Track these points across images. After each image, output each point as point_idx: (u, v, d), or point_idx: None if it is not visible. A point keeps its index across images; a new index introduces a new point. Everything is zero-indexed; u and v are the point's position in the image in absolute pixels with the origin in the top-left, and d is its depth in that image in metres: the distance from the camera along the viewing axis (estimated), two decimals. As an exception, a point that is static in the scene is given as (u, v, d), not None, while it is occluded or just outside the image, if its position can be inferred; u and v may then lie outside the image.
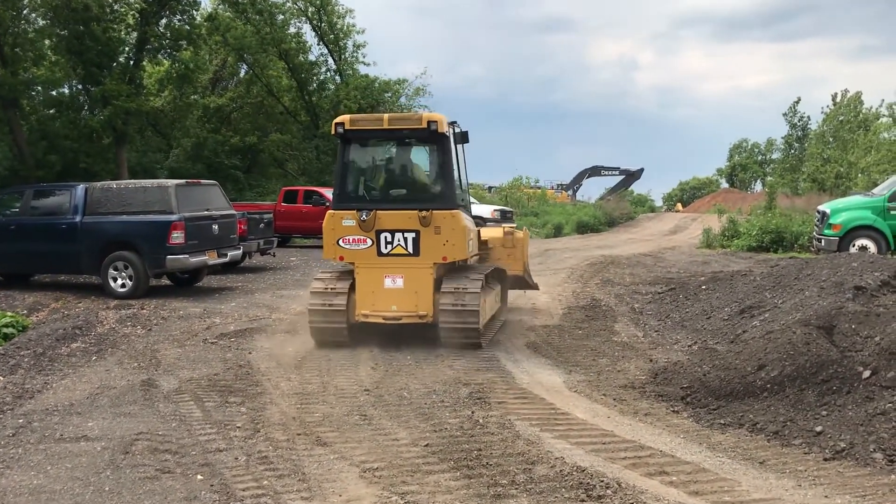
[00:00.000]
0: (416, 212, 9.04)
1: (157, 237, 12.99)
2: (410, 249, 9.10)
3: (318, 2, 37.29)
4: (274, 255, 18.63)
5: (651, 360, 8.67)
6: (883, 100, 68.22)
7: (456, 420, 6.27)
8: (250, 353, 9.09)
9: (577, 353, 9.12)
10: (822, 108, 57.35)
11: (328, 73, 40.05)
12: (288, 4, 37.27)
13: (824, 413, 5.90)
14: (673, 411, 6.67)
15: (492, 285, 10.24)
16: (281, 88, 39.85)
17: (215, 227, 14.01)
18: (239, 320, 11.22)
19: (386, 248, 9.15)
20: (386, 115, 9.40)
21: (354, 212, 9.17)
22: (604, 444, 5.72)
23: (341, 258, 9.36)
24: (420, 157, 9.91)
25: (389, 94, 38.32)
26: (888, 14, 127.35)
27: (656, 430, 6.11)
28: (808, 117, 59.43)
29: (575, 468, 5.13)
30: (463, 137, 9.93)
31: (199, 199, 14.04)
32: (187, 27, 29.37)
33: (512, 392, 7.27)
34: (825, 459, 5.28)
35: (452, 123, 9.65)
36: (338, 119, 9.32)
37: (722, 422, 6.25)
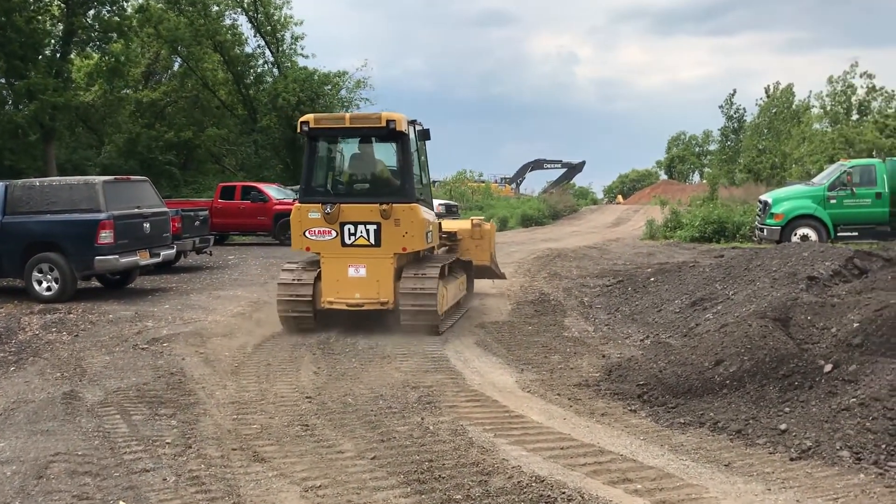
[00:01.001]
0: (377, 205, 9.54)
1: (84, 237, 12.24)
2: (372, 240, 9.61)
3: (254, -7, 36.45)
4: (210, 254, 17.94)
5: (604, 356, 8.42)
6: (811, 91, 70.14)
7: (405, 428, 5.88)
8: (184, 359, 8.54)
9: (528, 349, 8.83)
10: (757, 100, 58.51)
11: (265, 65, 39.28)
12: (222, -5, 36.35)
13: (787, 410, 5.68)
14: (630, 410, 6.40)
15: (455, 274, 10.91)
16: (217, 82, 38.85)
17: (147, 225, 13.32)
18: (172, 323, 10.62)
19: (349, 239, 9.66)
20: (348, 115, 10.02)
21: (320, 205, 9.65)
22: (562, 449, 5.40)
23: (308, 249, 9.88)
24: (381, 154, 10.37)
25: (329, 87, 37.69)
26: (815, 9, 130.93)
27: (615, 432, 5.82)
28: (744, 109, 60.54)
29: (534, 478, 4.79)
30: (424, 135, 10.56)
31: (129, 197, 13.31)
32: (117, 18, 28.31)
33: (463, 394, 6.91)
34: (791, 459, 5.05)
35: (413, 122, 10.11)
36: (303, 118, 9.88)
37: (682, 421, 5.99)
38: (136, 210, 13.20)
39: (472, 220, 12.58)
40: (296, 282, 9.76)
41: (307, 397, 6.88)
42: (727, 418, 5.83)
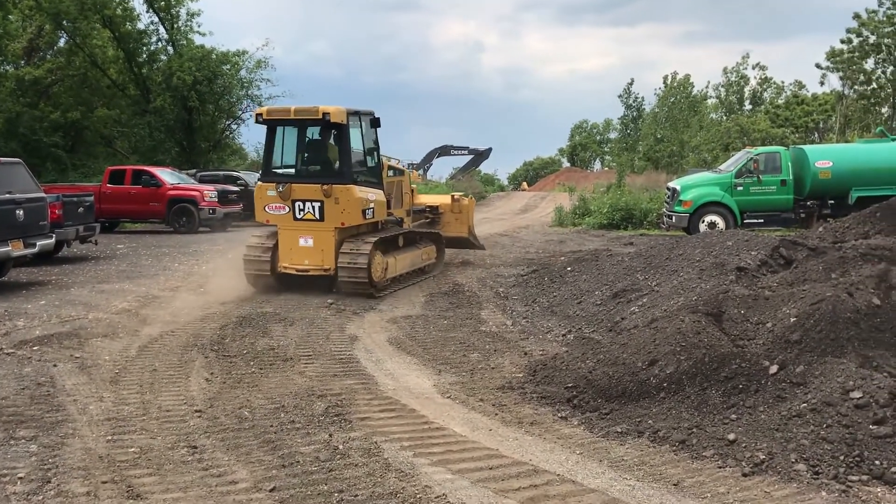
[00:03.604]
0: (319, 186, 11.04)
1: (-56, 226, 10.87)
2: (317, 216, 11.17)
3: (146, -34, 34.32)
4: (96, 243, 16.52)
5: (526, 353, 7.85)
6: (709, 81, 72.23)
7: (310, 448, 5.10)
8: (55, 365, 7.45)
9: (444, 347, 8.18)
10: (655, 89, 59.62)
11: (159, 42, 37.07)
12: (111, -34, 34.04)
13: (734, 417, 5.20)
14: (561, 417, 5.82)
15: (417, 245, 12.89)
16: (107, 59, 36.46)
17: (20, 212, 11.98)
18: (47, 323, 9.46)
19: (299, 214, 11.26)
20: (292, 107, 11.42)
21: (275, 184, 11.24)
22: (491, 469, 4.75)
23: (267, 221, 11.62)
24: (326, 140, 11.67)
25: (228, 67, 35.92)
26: (709, 4, 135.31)
27: (547, 445, 5.22)
28: (643, 98, 61.60)
29: (462, 509, 4.13)
30: (375, 123, 12.08)
31: (-1, 181, 11.94)
32: (-9, -14, 25.96)
33: (376, 403, 6.18)
34: (744, 475, 4.56)
35: (356, 113, 11.51)
36: (257, 110, 11.60)
37: (618, 429, 5.45)
38: (7, 195, 11.84)
39: (452, 195, 14.90)
40: (259, 245, 11.53)
41: (196, 411, 6.00)
42: (668, 426, 5.31)
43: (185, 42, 36.68)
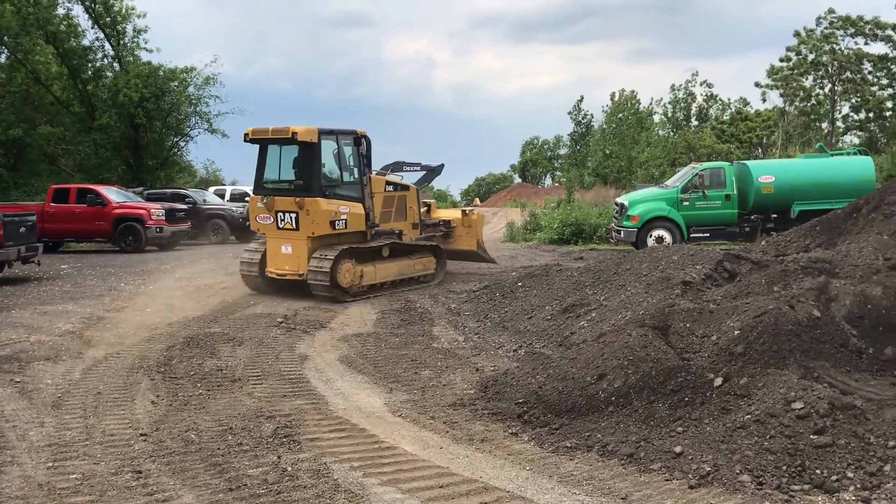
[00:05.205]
0: (293, 199, 12.17)
1: None
2: (294, 226, 12.28)
3: (90, -19, 33.79)
4: (39, 264, 16.09)
5: (477, 370, 7.87)
6: (652, 98, 73.67)
7: (258, 471, 5.02)
8: (-6, 390, 7.25)
9: (396, 365, 8.15)
10: (603, 106, 60.67)
11: (105, 59, 36.42)
12: (55, -19, 33.43)
13: (680, 430, 5.27)
14: (511, 433, 5.84)
15: (400, 257, 13.59)
16: (50, 76, 35.69)
17: (-43, 233, 11.64)
18: (-15, 346, 9.18)
19: (281, 224, 12.42)
20: (270, 128, 12.39)
21: (261, 196, 12.52)
22: (441, 487, 4.74)
23: (258, 230, 13.02)
24: (303, 157, 12.51)
25: (176, 83, 35.44)
26: (657, 22, 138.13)
27: (497, 462, 5.23)
28: (592, 115, 62.59)
29: (412, 529, 4.11)
30: (357, 141, 12.90)
31: (-66, 200, 11.60)
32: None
33: (326, 423, 6.12)
34: (691, 487, 4.62)
35: (331, 132, 12.52)
36: (246, 130, 12.69)
37: (568, 444, 5.49)
38: (-57, 215, 11.50)
39: (462, 210, 16.18)
40: (254, 250, 13.08)
41: (142, 434, 5.87)
42: (616, 440, 5.37)
43: (131, 58, 36.15)
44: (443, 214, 16.08)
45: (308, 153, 12.32)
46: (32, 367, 8.13)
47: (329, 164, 12.81)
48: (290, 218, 12.23)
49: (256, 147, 12.92)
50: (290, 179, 12.81)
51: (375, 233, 13.26)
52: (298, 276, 12.28)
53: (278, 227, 12.41)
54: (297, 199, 12.08)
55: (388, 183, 14.05)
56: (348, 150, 12.98)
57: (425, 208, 15.57)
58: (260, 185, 12.86)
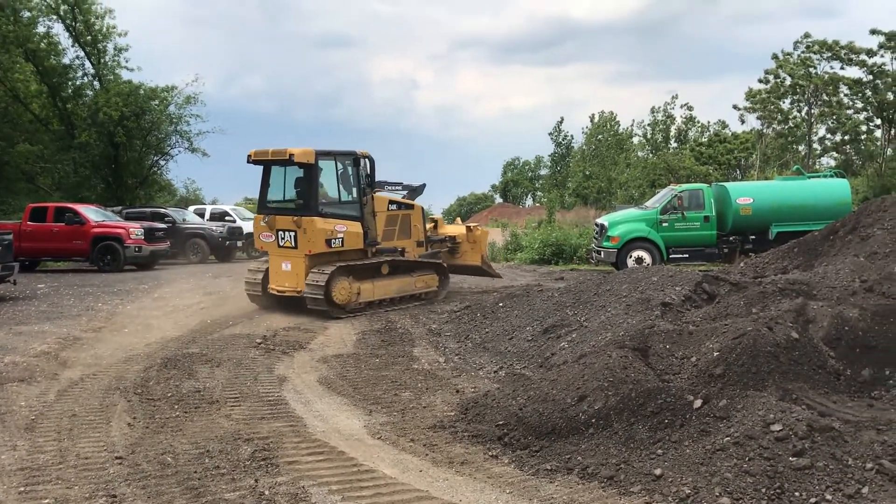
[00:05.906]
0: (291, 218, 12.61)
1: None
2: (293, 244, 12.72)
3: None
4: (14, 283, 15.91)
5: (458, 391, 7.84)
6: (633, 119, 74.36)
7: (235, 495, 4.96)
8: (-34, 413, 7.12)
9: (376, 386, 8.10)
10: (583, 128, 61.16)
11: (85, 77, 36.18)
12: (35, 0, 33.21)
13: (660, 452, 5.26)
14: (491, 456, 5.81)
15: (401, 274, 13.88)
16: (29, 94, 35.36)
17: (-69, 252, 11.48)
18: (-42, 368, 9.02)
19: (281, 242, 12.87)
20: (270, 150, 12.83)
21: (264, 216, 13.05)
22: (421, 511, 4.71)
23: (261, 248, 13.54)
24: (301, 178, 12.96)
25: (157, 102, 35.27)
26: (636, 45, 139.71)
27: (477, 485, 5.20)
28: (572, 136, 63.04)
29: (390, 554, 4.07)
30: (355, 162, 13.35)
31: None
32: None
33: (305, 446, 6.06)
34: (671, 510, 4.62)
35: (329, 153, 12.93)
36: (249, 152, 13.05)
37: (548, 467, 5.46)
38: (-83, 234, 11.34)
39: (467, 225, 16.57)
40: (256, 269, 13.50)
41: (117, 458, 5.78)
42: (597, 462, 5.35)
43: (112, 77, 35.95)
44: (449, 230, 16.37)
45: (306, 174, 12.75)
46: (6, 389, 8.00)
47: (328, 184, 13.19)
48: (290, 236, 12.65)
49: (251, 167, 13.25)
50: (290, 199, 13.17)
51: (377, 251, 13.58)
52: (297, 293, 12.66)
53: (279, 246, 12.83)
54: (296, 217, 12.52)
55: (391, 202, 14.33)
56: (348, 171, 13.38)
57: (432, 224, 15.88)
58: (263, 205, 13.37)
